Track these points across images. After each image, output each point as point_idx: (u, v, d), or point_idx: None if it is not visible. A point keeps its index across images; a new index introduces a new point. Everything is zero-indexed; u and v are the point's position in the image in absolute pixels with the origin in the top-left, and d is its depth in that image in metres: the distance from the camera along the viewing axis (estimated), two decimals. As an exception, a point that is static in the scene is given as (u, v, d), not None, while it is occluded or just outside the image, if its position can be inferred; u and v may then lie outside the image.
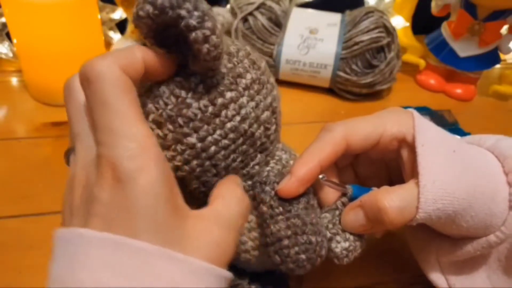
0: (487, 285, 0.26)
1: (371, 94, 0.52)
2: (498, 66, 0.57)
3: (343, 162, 0.28)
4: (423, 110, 0.44)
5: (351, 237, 0.25)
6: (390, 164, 0.28)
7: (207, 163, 0.22)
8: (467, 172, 0.24)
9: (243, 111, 0.22)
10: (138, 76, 0.19)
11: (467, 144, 0.27)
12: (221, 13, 0.50)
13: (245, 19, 0.52)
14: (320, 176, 0.25)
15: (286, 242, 0.22)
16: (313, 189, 0.25)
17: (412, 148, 0.24)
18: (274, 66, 0.52)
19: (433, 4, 0.55)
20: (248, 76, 0.22)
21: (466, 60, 0.53)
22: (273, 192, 0.23)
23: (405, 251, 0.33)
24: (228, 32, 0.52)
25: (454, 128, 0.42)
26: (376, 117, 0.26)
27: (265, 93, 0.23)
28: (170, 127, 0.21)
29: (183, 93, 0.21)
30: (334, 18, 0.53)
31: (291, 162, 0.26)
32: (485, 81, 0.58)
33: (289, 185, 0.23)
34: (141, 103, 0.19)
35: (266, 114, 0.23)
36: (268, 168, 0.25)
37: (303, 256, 0.22)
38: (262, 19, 0.52)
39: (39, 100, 0.40)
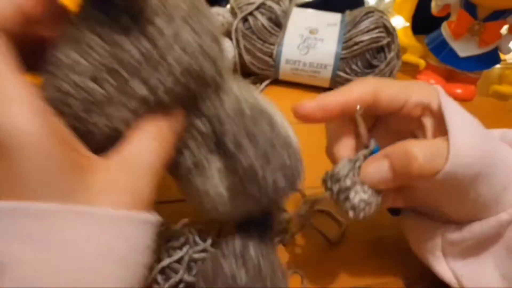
0: (495, 275, 0.25)
1: (371, 94, 0.52)
2: (498, 66, 0.57)
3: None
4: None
5: (370, 191, 0.24)
6: (408, 136, 0.27)
7: (156, 107, 0.20)
8: (490, 139, 0.24)
9: (187, 46, 0.19)
10: (13, 25, 0.17)
11: None
12: (221, 13, 0.50)
13: (245, 19, 0.52)
14: (358, 107, 0.25)
15: (259, 167, 0.20)
16: None
17: (436, 116, 0.25)
18: (274, 66, 0.52)
19: (433, 4, 0.55)
20: (183, 5, 0.20)
21: (466, 60, 0.53)
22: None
23: (405, 251, 0.33)
24: (228, 32, 0.52)
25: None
26: (405, 83, 0.26)
27: (205, 22, 0.21)
28: (112, 81, 0.18)
29: (116, 37, 0.18)
30: (334, 18, 0.53)
31: (247, 95, 0.24)
32: (485, 81, 0.58)
33: (308, 106, 0.24)
34: (65, 55, 0.17)
35: (211, 45, 0.21)
36: (219, 102, 0.23)
37: (280, 177, 0.20)
38: (262, 19, 0.52)
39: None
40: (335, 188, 0.24)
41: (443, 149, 0.23)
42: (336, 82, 0.52)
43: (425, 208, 0.29)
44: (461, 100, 0.55)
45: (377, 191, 0.25)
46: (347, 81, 0.51)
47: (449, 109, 0.24)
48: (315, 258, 0.32)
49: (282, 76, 0.53)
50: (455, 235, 0.26)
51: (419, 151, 0.23)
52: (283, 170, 0.21)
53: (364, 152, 0.25)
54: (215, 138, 0.23)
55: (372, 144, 0.26)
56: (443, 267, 0.27)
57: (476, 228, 0.25)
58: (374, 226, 0.35)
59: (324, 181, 0.26)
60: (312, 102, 0.24)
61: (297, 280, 0.30)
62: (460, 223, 0.26)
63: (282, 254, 0.32)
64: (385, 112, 0.26)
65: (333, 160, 0.28)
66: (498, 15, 0.50)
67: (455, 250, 0.27)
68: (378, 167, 0.24)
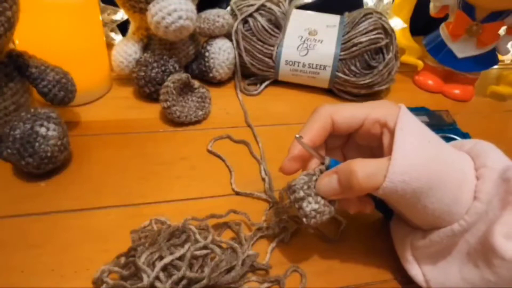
0: (458, 278, 0.27)
1: (369, 95, 0.53)
2: (496, 67, 0.57)
3: (333, 143, 0.31)
4: (421, 111, 0.44)
5: (322, 201, 0.28)
6: (375, 152, 0.30)
7: None
8: (437, 160, 0.26)
9: None
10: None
11: (445, 143, 0.28)
12: (221, 15, 0.51)
13: (245, 21, 0.53)
14: (297, 136, 0.28)
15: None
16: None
17: (393, 134, 0.27)
18: (273, 67, 0.52)
19: (431, 5, 0.55)
20: None
21: (464, 61, 0.54)
22: None
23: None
24: (228, 34, 0.53)
25: (452, 128, 0.42)
26: (364, 103, 0.29)
27: None
28: None
29: None
30: (333, 19, 0.54)
31: None
32: (483, 81, 0.58)
33: (286, 167, 0.29)
34: None
35: None
36: None
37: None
38: (262, 21, 0.52)
39: (40, 101, 0.40)
40: (292, 197, 0.28)
41: (384, 168, 0.25)
42: (335, 83, 0.52)
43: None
44: (459, 100, 0.56)
45: (330, 201, 0.28)
46: (346, 82, 0.51)
47: (401, 128, 0.26)
48: (315, 256, 0.32)
49: (281, 77, 0.53)
50: (419, 242, 0.29)
51: (360, 169, 0.26)
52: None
53: (320, 167, 0.29)
54: None
55: (327, 160, 0.29)
56: (415, 270, 0.29)
57: (434, 236, 0.28)
58: (373, 225, 0.35)
59: (284, 190, 0.29)
60: (287, 162, 0.29)
61: (296, 279, 0.30)
62: (424, 230, 0.29)
63: (282, 253, 0.32)
64: (346, 131, 0.29)
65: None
66: (496, 16, 0.50)
67: (422, 255, 0.29)
68: (329, 181, 0.28)
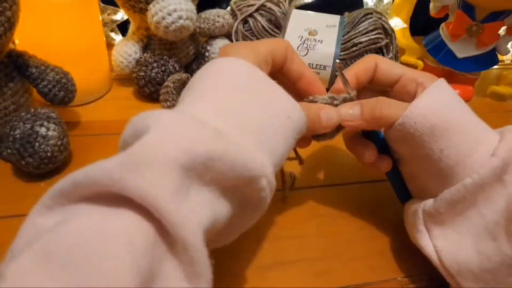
0: (473, 251, 0.26)
1: (370, 95, 0.53)
2: (496, 67, 0.57)
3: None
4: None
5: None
6: None
7: None
8: (461, 111, 0.28)
9: None
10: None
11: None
12: (221, 15, 0.51)
13: (245, 21, 0.53)
14: (337, 61, 0.31)
15: None
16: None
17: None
18: (273, 67, 0.52)
19: (431, 5, 0.55)
20: None
21: (464, 61, 0.54)
22: None
23: (403, 251, 0.33)
24: (228, 34, 0.53)
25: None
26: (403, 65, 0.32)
27: None
28: None
29: None
30: (333, 19, 0.54)
31: None
32: (483, 82, 0.58)
33: (336, 85, 0.32)
34: None
35: None
36: None
37: None
38: (262, 21, 0.52)
39: (40, 101, 0.40)
40: None
41: (405, 106, 0.27)
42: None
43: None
44: (460, 100, 0.56)
45: (339, 127, 0.30)
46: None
47: (436, 85, 0.28)
48: (315, 256, 0.32)
49: (281, 77, 0.53)
50: (431, 206, 0.28)
51: (387, 102, 0.28)
52: None
53: (344, 95, 0.30)
54: None
55: (353, 93, 0.30)
56: (426, 241, 0.29)
57: (446, 195, 0.27)
58: (373, 225, 0.35)
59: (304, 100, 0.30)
60: (337, 83, 0.32)
61: (296, 279, 0.30)
62: (435, 196, 0.28)
63: (282, 253, 0.32)
64: (384, 80, 0.31)
65: None
66: (496, 16, 0.50)
67: (434, 223, 0.28)
68: (351, 106, 0.30)
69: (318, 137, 0.31)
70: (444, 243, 0.28)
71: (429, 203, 0.29)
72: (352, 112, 0.29)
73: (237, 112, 0.23)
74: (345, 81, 0.30)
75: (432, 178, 0.29)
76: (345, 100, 0.30)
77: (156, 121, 0.20)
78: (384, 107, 0.28)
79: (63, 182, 0.18)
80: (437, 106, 0.27)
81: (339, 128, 0.30)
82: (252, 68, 0.26)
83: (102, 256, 0.16)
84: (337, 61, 0.30)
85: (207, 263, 0.19)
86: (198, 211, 0.19)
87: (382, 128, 0.31)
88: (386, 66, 0.31)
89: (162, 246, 0.18)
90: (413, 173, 0.31)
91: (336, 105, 0.30)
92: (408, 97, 0.30)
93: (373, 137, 0.32)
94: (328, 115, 0.29)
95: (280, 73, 0.30)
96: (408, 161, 0.30)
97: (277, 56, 0.29)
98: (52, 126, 0.35)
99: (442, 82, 0.29)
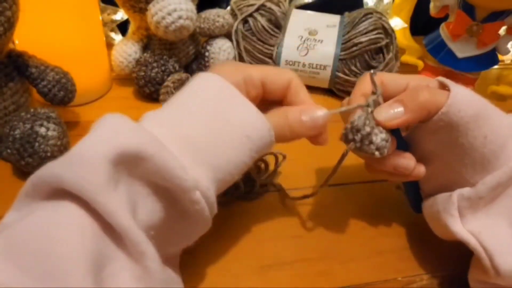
0: (509, 233, 0.27)
1: (370, 95, 0.52)
2: (496, 67, 0.57)
3: None
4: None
5: (384, 130, 0.28)
6: None
7: None
8: (489, 103, 0.28)
9: None
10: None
11: None
12: (221, 15, 0.50)
13: (245, 21, 0.53)
14: (372, 71, 0.29)
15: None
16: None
17: None
18: (273, 67, 0.52)
19: (431, 5, 0.55)
20: None
21: (464, 61, 0.54)
22: None
23: (404, 251, 0.33)
24: (228, 34, 0.53)
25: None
26: (404, 75, 0.32)
27: None
28: None
29: None
30: (333, 19, 0.54)
31: None
32: (483, 82, 0.58)
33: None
34: None
35: None
36: None
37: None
38: (262, 21, 0.52)
39: (40, 101, 0.40)
40: (357, 137, 0.28)
41: (445, 93, 0.27)
42: (335, 83, 0.52)
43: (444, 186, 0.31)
44: (460, 100, 0.56)
45: (388, 131, 0.28)
46: (346, 82, 0.51)
47: (448, 81, 0.28)
48: (315, 256, 0.32)
49: (281, 77, 0.53)
50: (470, 191, 0.28)
51: (425, 88, 0.28)
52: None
53: (372, 97, 0.29)
54: None
55: (379, 89, 0.29)
56: (458, 227, 0.28)
57: (490, 179, 0.27)
58: (373, 225, 0.35)
59: (345, 135, 0.28)
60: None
61: (296, 279, 0.30)
62: (473, 184, 0.28)
63: (282, 250, 0.32)
64: (392, 94, 0.30)
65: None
66: (496, 16, 0.50)
67: (470, 207, 0.28)
68: (391, 106, 0.28)
69: (370, 150, 0.28)
70: (480, 225, 0.28)
71: (467, 189, 0.28)
72: (394, 111, 0.28)
73: (186, 126, 0.25)
74: (374, 84, 0.29)
75: (468, 166, 0.28)
76: (375, 102, 0.29)
77: (101, 122, 0.23)
78: (425, 92, 0.27)
79: (25, 185, 0.21)
80: (472, 94, 0.27)
81: (387, 138, 0.28)
82: (225, 85, 0.26)
83: (57, 242, 0.18)
84: (371, 71, 0.30)
85: (146, 240, 0.21)
86: (125, 201, 0.21)
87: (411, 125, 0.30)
88: (391, 80, 0.30)
89: (106, 235, 0.20)
90: (439, 169, 0.30)
91: (371, 112, 0.28)
92: None
93: (397, 137, 0.30)
94: (311, 117, 0.28)
95: (282, 105, 0.30)
96: (439, 155, 0.29)
97: (271, 84, 0.28)
98: (52, 126, 0.35)
99: (445, 79, 0.29)
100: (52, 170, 0.20)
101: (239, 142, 0.25)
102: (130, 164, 0.22)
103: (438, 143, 0.29)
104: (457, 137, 0.27)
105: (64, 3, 0.41)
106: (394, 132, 0.29)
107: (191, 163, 0.24)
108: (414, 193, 0.33)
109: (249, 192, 0.36)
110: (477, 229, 0.28)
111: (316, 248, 0.33)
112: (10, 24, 0.34)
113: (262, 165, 0.39)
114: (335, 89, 0.53)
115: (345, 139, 0.28)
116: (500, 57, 0.54)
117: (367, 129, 0.27)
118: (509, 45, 0.53)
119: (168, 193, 0.23)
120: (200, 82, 0.27)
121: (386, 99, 0.29)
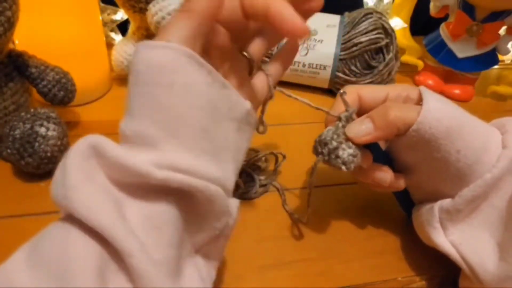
0: (492, 243, 0.27)
1: (370, 95, 0.53)
2: (496, 67, 0.57)
3: None
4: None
5: (353, 146, 0.28)
6: None
7: None
8: (465, 115, 0.28)
9: None
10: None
11: None
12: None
13: (245, 21, 0.53)
14: (341, 90, 0.30)
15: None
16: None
17: (417, 103, 0.28)
18: (273, 67, 0.52)
19: (431, 5, 0.55)
20: None
21: (464, 61, 0.54)
22: None
23: (404, 251, 0.33)
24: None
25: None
26: (385, 85, 0.32)
27: None
28: None
29: None
30: (333, 19, 0.54)
31: None
32: (483, 81, 0.58)
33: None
34: None
35: None
36: None
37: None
38: (261, 21, 0.52)
39: (40, 101, 0.40)
40: (325, 151, 0.28)
41: (418, 108, 0.27)
42: (335, 83, 0.52)
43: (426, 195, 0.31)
44: (459, 100, 0.56)
45: (359, 146, 0.29)
46: (346, 82, 0.51)
47: (427, 92, 0.28)
48: (315, 256, 0.32)
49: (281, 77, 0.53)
50: (449, 203, 0.28)
51: (395, 106, 0.28)
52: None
53: (344, 113, 0.29)
54: None
55: (350, 108, 0.30)
56: (441, 239, 0.29)
57: (466, 192, 0.27)
58: (373, 225, 0.35)
59: (315, 148, 0.29)
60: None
61: (296, 279, 0.30)
62: (452, 195, 0.28)
63: (282, 250, 0.32)
64: (370, 105, 0.30)
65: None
66: (496, 16, 0.50)
67: (451, 219, 0.28)
68: (361, 122, 0.28)
69: (337, 164, 0.28)
70: (461, 237, 0.28)
71: (447, 201, 0.28)
72: (365, 127, 0.28)
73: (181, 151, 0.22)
74: (345, 103, 0.30)
75: (447, 180, 0.28)
76: (347, 118, 0.29)
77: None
78: (394, 109, 0.27)
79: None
80: (446, 109, 0.27)
81: (355, 154, 0.28)
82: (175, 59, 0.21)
83: (69, 258, 0.18)
84: (341, 91, 0.30)
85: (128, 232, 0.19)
86: (138, 220, 0.20)
87: (384, 141, 0.31)
88: (369, 93, 0.31)
89: (112, 260, 0.19)
90: (423, 180, 0.30)
91: (342, 127, 0.29)
92: None
93: (375, 151, 0.31)
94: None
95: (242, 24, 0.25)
96: (418, 168, 0.30)
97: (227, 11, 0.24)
98: (52, 126, 0.35)
99: (426, 89, 0.29)
100: (53, 192, 0.20)
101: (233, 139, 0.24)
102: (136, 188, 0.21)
103: (415, 156, 0.29)
104: (431, 152, 0.27)
105: (64, 3, 0.41)
106: (372, 145, 0.30)
107: (209, 167, 0.22)
108: (405, 200, 0.34)
109: (249, 192, 0.36)
110: (458, 241, 0.28)
111: (316, 248, 0.33)
112: (10, 24, 0.34)
113: (262, 165, 0.39)
114: (335, 89, 0.53)
115: (315, 151, 0.29)
116: (500, 57, 0.54)
117: (334, 143, 0.28)
118: (509, 45, 0.53)
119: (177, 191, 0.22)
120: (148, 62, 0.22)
121: (364, 112, 0.30)
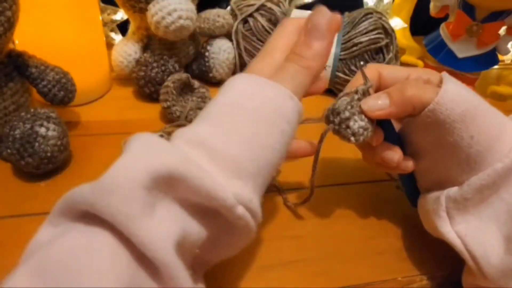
0: (498, 235, 0.26)
1: (370, 95, 0.53)
2: (496, 67, 0.57)
3: None
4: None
5: (366, 119, 0.28)
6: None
7: None
8: (483, 102, 0.27)
9: None
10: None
11: None
12: (222, 15, 0.50)
13: (245, 21, 0.53)
14: (362, 63, 0.30)
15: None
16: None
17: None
18: (273, 67, 0.52)
19: (431, 5, 0.55)
20: None
21: (464, 61, 0.54)
22: None
23: (404, 251, 0.33)
24: (228, 34, 0.53)
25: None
26: (405, 67, 0.32)
27: None
28: None
29: None
30: (333, 19, 0.54)
31: None
32: (483, 82, 0.58)
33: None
34: None
35: None
36: None
37: None
38: (262, 21, 0.52)
39: (40, 101, 0.40)
40: (337, 120, 0.28)
41: (436, 90, 0.27)
42: (335, 83, 0.52)
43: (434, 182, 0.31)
44: (460, 100, 0.56)
45: (372, 121, 0.28)
46: (346, 82, 0.51)
47: (448, 77, 0.28)
48: (314, 256, 0.32)
49: (281, 77, 0.53)
50: (456, 192, 0.28)
51: (413, 84, 0.28)
52: None
53: (362, 87, 0.29)
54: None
55: (369, 82, 0.29)
56: (447, 228, 0.28)
57: (475, 180, 0.27)
58: (372, 225, 0.35)
59: (327, 116, 0.29)
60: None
61: (296, 279, 0.30)
62: (461, 183, 0.28)
63: (282, 250, 0.32)
64: (390, 85, 0.30)
65: None
66: (496, 16, 0.50)
67: (458, 208, 0.28)
68: (378, 97, 0.28)
69: (347, 135, 0.28)
70: (467, 228, 0.28)
71: (454, 189, 0.28)
72: (381, 102, 0.28)
73: (221, 140, 0.23)
74: (364, 76, 0.29)
75: (457, 165, 0.28)
76: (364, 93, 0.29)
77: (132, 143, 0.22)
78: (413, 87, 0.27)
79: (60, 201, 0.20)
80: (464, 93, 0.27)
81: (366, 127, 0.28)
82: (243, 79, 0.26)
83: (88, 270, 0.17)
84: (361, 63, 0.30)
85: (184, 276, 0.20)
86: (165, 225, 0.20)
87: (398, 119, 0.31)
88: (390, 73, 0.31)
89: (139, 265, 0.19)
90: (432, 165, 0.30)
91: (357, 100, 0.29)
92: None
93: (388, 131, 0.30)
94: (313, 24, 0.27)
95: None
96: (429, 151, 0.29)
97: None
98: (52, 126, 0.35)
99: (448, 75, 0.29)
100: (84, 197, 0.19)
101: (277, 142, 0.24)
102: (167, 187, 0.21)
103: (428, 139, 0.29)
104: (444, 135, 0.27)
105: (64, 3, 0.41)
106: (385, 124, 0.30)
107: (229, 178, 0.22)
108: (411, 188, 0.33)
109: None
110: (464, 232, 0.28)
111: (316, 248, 0.33)
112: (10, 24, 0.34)
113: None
114: (335, 89, 0.53)
115: (326, 119, 0.29)
116: (500, 57, 0.54)
117: (347, 113, 0.28)
118: (509, 45, 0.53)
119: (211, 210, 0.22)
120: (233, 87, 0.26)
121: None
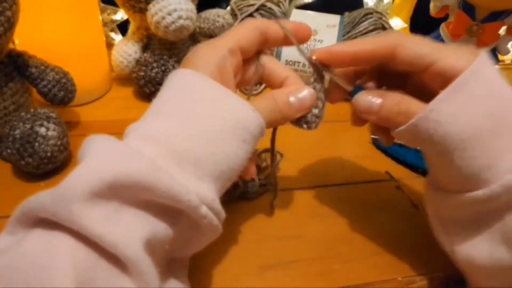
0: (485, 254, 0.25)
1: (370, 95, 0.53)
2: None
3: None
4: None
5: (318, 108, 0.28)
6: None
7: None
8: (488, 119, 0.23)
9: None
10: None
11: None
12: (221, 15, 0.50)
13: (245, 21, 0.53)
14: (313, 57, 0.28)
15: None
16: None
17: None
18: (273, 67, 0.52)
19: (431, 5, 0.55)
20: None
21: (464, 61, 0.54)
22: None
23: (404, 251, 0.33)
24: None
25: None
26: (439, 45, 0.25)
27: None
28: None
29: None
30: (333, 19, 0.54)
31: None
32: (484, 82, 0.58)
33: (318, 52, 0.27)
34: None
35: None
36: None
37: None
38: (261, 21, 0.52)
39: (40, 101, 0.40)
40: None
41: (424, 105, 0.24)
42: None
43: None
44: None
45: (323, 107, 0.29)
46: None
47: (462, 77, 0.23)
48: (315, 256, 0.32)
49: (281, 77, 0.53)
50: (446, 205, 0.27)
51: (413, 100, 0.25)
52: None
53: (313, 77, 0.29)
54: None
55: (327, 74, 0.29)
56: (443, 237, 0.28)
57: (456, 200, 0.26)
58: (372, 225, 0.35)
59: None
60: (323, 49, 0.27)
61: (296, 279, 0.30)
62: (454, 192, 0.26)
63: (282, 250, 0.32)
64: (403, 70, 0.26)
65: None
66: (496, 16, 0.50)
67: (450, 221, 0.27)
68: (371, 98, 0.26)
69: (300, 123, 0.29)
70: (459, 238, 0.27)
71: (444, 205, 0.27)
72: (371, 103, 0.26)
73: (180, 139, 0.23)
74: (343, 82, 0.29)
75: (451, 177, 0.26)
76: (319, 84, 0.29)
77: (91, 150, 0.22)
78: (407, 100, 0.25)
79: (16, 210, 0.20)
80: (454, 112, 0.23)
81: (319, 115, 0.29)
82: (203, 81, 0.25)
83: (48, 274, 0.18)
84: (313, 57, 0.28)
85: (153, 272, 0.20)
86: (130, 227, 0.20)
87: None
88: (411, 54, 0.25)
89: (109, 266, 0.19)
90: (431, 163, 0.28)
91: (322, 90, 0.29)
92: (436, 85, 0.25)
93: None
94: (298, 97, 0.27)
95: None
96: (424, 153, 0.28)
97: (247, 41, 0.28)
98: (52, 126, 0.35)
99: (473, 71, 0.23)
100: (44, 205, 0.19)
101: (237, 147, 0.24)
102: (130, 192, 0.21)
103: (418, 146, 0.27)
104: (426, 150, 0.26)
105: (64, 3, 0.41)
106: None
107: (192, 179, 0.23)
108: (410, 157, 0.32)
109: (248, 192, 0.36)
110: (454, 244, 0.27)
111: (316, 248, 0.33)
112: (10, 24, 0.34)
113: (262, 165, 0.39)
114: (335, 89, 0.53)
115: None
116: (500, 57, 0.54)
117: None
118: (509, 45, 0.53)
119: (177, 210, 0.23)
120: (179, 83, 0.25)
121: (396, 70, 0.27)
